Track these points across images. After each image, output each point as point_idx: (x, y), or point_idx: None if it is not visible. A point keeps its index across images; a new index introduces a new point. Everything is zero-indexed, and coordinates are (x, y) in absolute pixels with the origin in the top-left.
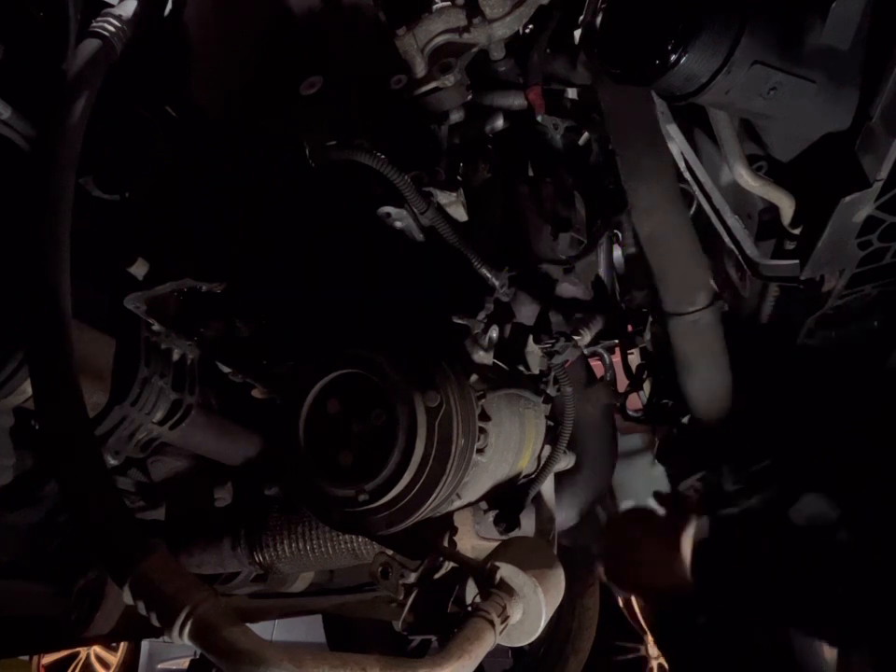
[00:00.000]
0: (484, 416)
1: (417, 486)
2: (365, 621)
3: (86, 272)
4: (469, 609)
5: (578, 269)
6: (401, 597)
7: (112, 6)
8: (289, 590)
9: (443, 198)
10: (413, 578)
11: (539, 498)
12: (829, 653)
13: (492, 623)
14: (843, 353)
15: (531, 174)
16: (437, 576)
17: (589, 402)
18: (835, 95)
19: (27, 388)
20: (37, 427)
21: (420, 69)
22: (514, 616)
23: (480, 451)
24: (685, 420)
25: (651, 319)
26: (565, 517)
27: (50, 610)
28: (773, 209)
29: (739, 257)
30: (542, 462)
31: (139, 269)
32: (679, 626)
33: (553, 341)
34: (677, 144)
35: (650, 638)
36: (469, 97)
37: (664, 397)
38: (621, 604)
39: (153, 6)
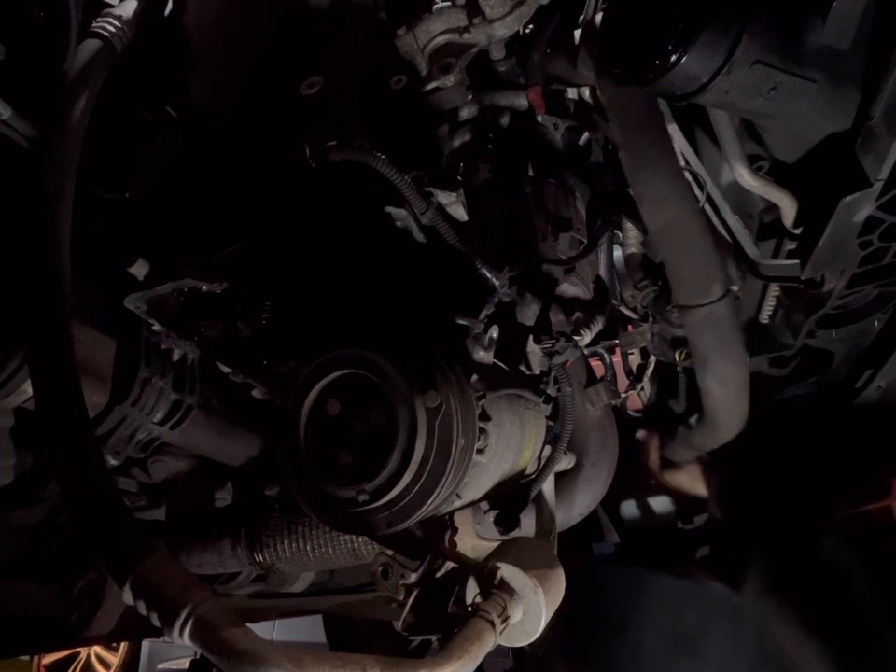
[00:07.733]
0: (485, 416)
1: (417, 486)
2: (365, 621)
3: (86, 272)
4: (470, 609)
5: (578, 269)
6: (401, 597)
7: (112, 6)
8: (290, 590)
9: (443, 198)
10: (413, 578)
11: (539, 498)
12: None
13: (492, 624)
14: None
15: (531, 174)
16: (437, 576)
17: (589, 402)
18: (836, 95)
19: (27, 388)
20: (37, 428)
21: (420, 69)
22: (514, 616)
23: (480, 451)
24: (691, 420)
25: (651, 319)
26: (565, 517)
27: (50, 610)
28: (773, 209)
29: (740, 257)
30: (543, 462)
31: (139, 269)
32: None
33: (553, 341)
34: (677, 144)
35: None
36: (469, 97)
37: (668, 397)
38: None
39: (153, 6)
